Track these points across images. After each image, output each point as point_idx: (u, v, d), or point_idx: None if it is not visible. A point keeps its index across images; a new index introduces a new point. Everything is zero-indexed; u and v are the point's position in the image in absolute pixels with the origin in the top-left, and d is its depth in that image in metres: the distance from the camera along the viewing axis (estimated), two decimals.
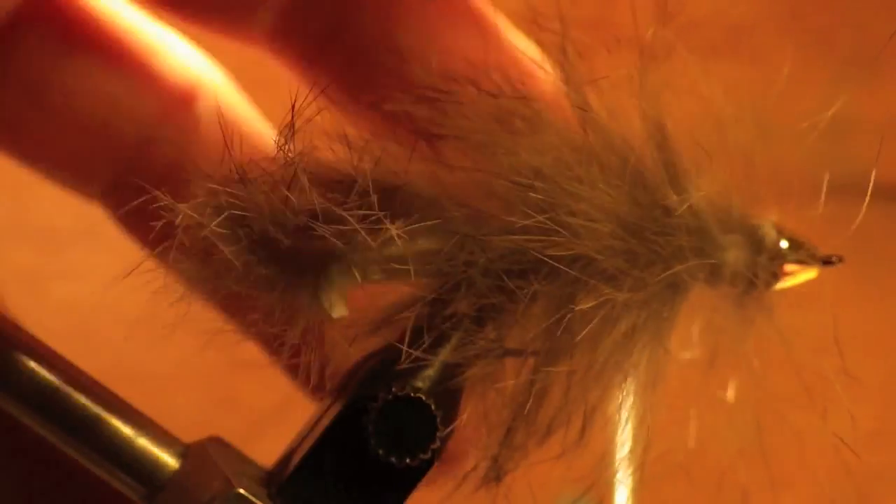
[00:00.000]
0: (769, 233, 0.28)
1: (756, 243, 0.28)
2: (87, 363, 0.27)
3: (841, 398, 0.28)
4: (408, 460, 0.27)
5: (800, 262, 0.28)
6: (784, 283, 0.28)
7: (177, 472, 0.26)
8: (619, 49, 0.29)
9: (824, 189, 0.28)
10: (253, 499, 0.26)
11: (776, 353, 0.28)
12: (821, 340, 0.28)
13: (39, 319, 0.33)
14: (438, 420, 0.27)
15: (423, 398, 0.27)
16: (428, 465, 0.27)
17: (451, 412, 0.27)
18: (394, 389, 0.27)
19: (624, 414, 0.28)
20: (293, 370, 0.30)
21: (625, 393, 0.28)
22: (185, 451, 0.26)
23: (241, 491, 0.26)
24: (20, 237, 0.32)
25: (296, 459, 0.27)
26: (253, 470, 0.27)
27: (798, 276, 0.28)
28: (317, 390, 0.28)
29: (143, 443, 0.26)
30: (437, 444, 0.27)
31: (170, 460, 0.26)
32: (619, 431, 0.28)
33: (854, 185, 0.28)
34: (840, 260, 0.29)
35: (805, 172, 0.28)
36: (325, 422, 0.28)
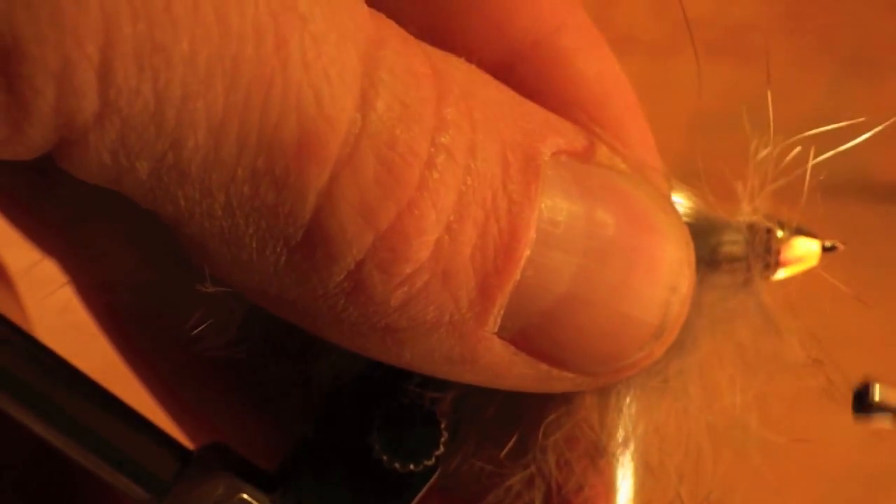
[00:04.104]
0: (764, 221, 0.27)
1: (751, 231, 0.27)
2: (88, 364, 0.27)
3: (840, 398, 0.28)
4: (412, 466, 0.27)
5: (799, 249, 0.28)
6: (785, 272, 0.28)
7: (179, 477, 0.26)
8: (621, 48, 0.29)
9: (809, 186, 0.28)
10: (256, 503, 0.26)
11: (775, 352, 0.28)
12: (819, 340, 0.28)
13: (39, 319, 0.33)
14: (443, 427, 0.27)
15: (427, 403, 0.27)
16: (432, 471, 0.27)
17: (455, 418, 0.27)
18: (398, 395, 0.27)
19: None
20: None
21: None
22: (187, 456, 0.26)
23: (245, 496, 0.26)
24: (20, 237, 0.32)
25: (299, 464, 0.27)
26: (256, 475, 0.27)
27: (799, 264, 0.28)
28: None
29: (146, 446, 0.26)
30: (441, 450, 0.27)
31: (173, 464, 0.26)
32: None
33: (853, 185, 0.28)
34: (843, 245, 0.28)
35: (804, 172, 0.28)
36: (329, 426, 0.28)
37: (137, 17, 0.19)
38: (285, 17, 0.21)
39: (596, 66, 0.28)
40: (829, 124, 0.29)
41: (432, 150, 0.22)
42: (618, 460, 0.28)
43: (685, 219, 0.27)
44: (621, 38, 0.28)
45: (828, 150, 0.28)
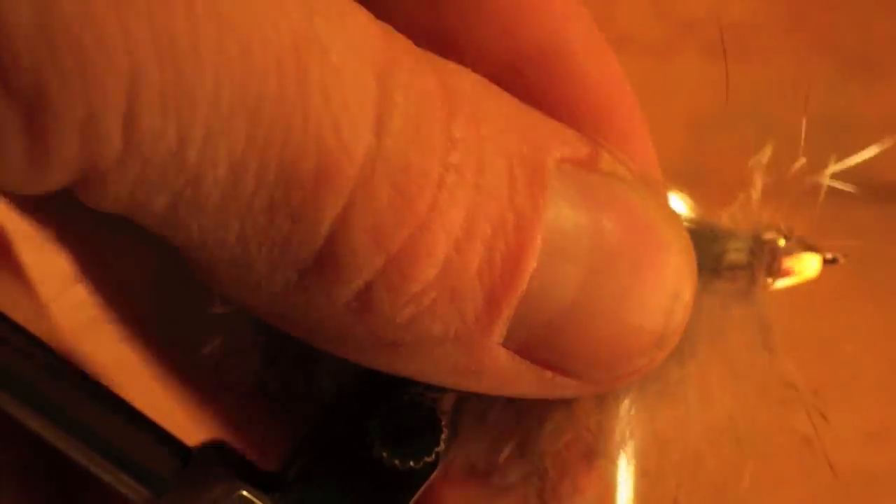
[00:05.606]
0: (768, 231, 0.28)
1: (755, 240, 0.28)
2: (90, 362, 0.27)
3: (840, 398, 0.28)
4: (412, 463, 0.27)
5: (801, 260, 0.28)
6: (785, 281, 0.28)
7: (180, 475, 0.26)
8: (621, 49, 0.29)
9: (823, 188, 0.28)
10: (256, 501, 0.26)
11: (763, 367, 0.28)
12: (820, 340, 0.28)
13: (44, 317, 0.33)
14: (443, 424, 0.27)
15: (428, 402, 0.27)
16: (432, 468, 0.27)
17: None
18: (399, 393, 0.27)
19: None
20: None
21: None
22: (187, 454, 0.26)
23: (245, 493, 0.26)
24: (20, 237, 0.32)
25: (299, 462, 0.27)
26: (256, 473, 0.27)
27: (799, 274, 0.28)
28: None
29: (146, 444, 0.26)
30: (442, 447, 0.27)
31: (172, 463, 0.26)
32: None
33: (853, 184, 0.28)
34: (844, 257, 0.28)
35: (803, 172, 0.28)
36: (329, 424, 0.28)
37: (164, 60, 0.19)
38: (307, 48, 0.21)
39: (600, 72, 0.28)
40: (828, 124, 0.29)
41: (442, 170, 0.22)
42: (615, 464, 0.28)
43: (688, 227, 0.27)
44: (621, 38, 0.28)
45: (831, 156, 0.28)
